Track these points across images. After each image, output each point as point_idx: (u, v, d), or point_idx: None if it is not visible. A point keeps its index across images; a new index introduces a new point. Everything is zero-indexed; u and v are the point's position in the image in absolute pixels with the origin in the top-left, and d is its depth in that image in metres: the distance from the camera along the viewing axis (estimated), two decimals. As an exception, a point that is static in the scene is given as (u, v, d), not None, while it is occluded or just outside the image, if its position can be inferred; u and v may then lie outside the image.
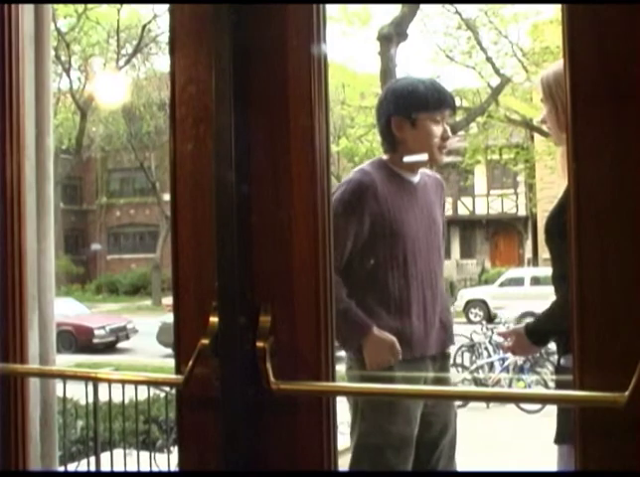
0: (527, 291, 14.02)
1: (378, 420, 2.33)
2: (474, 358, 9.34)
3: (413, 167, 2.47)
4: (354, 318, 2.31)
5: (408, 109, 2.38)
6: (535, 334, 2.21)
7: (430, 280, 2.44)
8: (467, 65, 14.01)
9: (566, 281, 2.01)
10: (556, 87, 2.10)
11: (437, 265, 2.48)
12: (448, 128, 2.44)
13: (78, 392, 4.81)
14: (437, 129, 2.40)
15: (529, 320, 2.31)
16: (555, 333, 2.16)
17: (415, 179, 2.48)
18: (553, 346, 2.38)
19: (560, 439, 2.04)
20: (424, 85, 2.44)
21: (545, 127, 2.24)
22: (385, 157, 2.48)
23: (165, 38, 17.52)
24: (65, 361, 9.02)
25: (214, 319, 1.38)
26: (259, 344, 1.36)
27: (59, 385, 3.52)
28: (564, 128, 2.11)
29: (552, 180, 10.64)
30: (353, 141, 14.01)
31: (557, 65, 2.20)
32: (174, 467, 4.34)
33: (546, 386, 7.48)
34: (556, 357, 2.16)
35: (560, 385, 2.20)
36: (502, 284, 15.62)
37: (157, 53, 17.62)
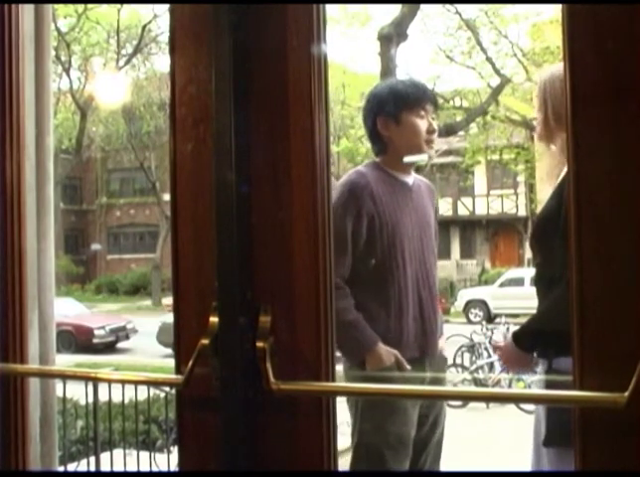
0: (527, 291, 13.98)
1: (377, 420, 2.34)
2: (474, 358, 9.34)
3: (406, 167, 2.52)
4: (361, 332, 2.34)
5: (391, 108, 2.45)
6: (522, 340, 2.18)
7: (428, 281, 2.46)
8: (467, 65, 14.04)
9: (554, 285, 2.03)
10: (550, 87, 2.11)
11: (433, 267, 2.51)
12: (434, 122, 2.49)
13: (78, 392, 4.81)
14: (422, 124, 2.46)
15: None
16: (543, 337, 2.15)
17: (410, 180, 2.53)
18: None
19: (549, 442, 2.01)
20: (404, 84, 2.54)
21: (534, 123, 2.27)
22: (377, 160, 2.53)
23: (165, 38, 17.53)
24: (65, 361, 9.02)
25: (214, 319, 1.38)
26: (259, 344, 1.36)
27: (59, 385, 3.52)
28: (549, 129, 2.14)
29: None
30: (353, 141, 14.02)
31: (556, 67, 2.21)
32: (174, 467, 4.34)
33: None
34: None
35: (550, 387, 2.18)
36: (502, 284, 15.62)
37: (157, 53, 17.64)
